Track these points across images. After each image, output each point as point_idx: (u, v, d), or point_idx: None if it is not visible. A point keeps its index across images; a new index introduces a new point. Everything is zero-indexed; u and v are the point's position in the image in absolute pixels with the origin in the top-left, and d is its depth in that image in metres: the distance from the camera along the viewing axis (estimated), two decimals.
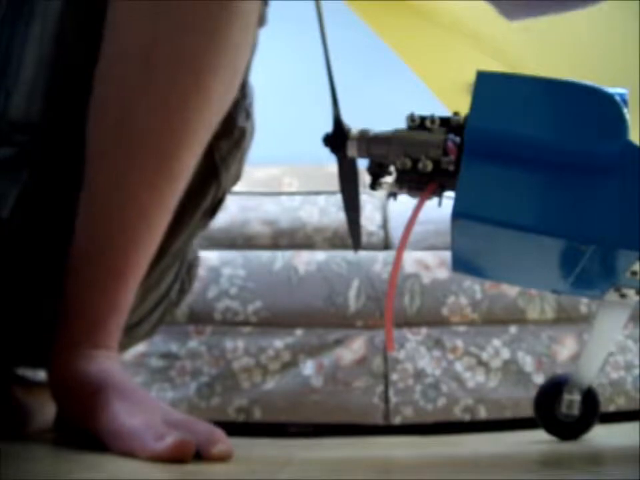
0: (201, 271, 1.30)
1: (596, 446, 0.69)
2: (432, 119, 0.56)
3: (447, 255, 1.12)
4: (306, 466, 0.53)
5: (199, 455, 0.50)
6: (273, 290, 1.31)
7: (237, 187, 0.80)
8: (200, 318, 1.30)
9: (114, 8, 0.58)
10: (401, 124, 0.57)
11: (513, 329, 1.31)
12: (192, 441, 0.50)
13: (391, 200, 1.07)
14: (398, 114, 0.59)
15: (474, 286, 1.31)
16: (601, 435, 0.76)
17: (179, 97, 0.58)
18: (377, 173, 0.58)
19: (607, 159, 0.50)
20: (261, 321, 1.30)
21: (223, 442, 0.52)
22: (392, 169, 0.57)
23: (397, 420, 1.27)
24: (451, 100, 1.07)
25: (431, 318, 1.31)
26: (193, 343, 1.29)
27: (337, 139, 0.59)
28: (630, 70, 1.02)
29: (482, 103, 0.52)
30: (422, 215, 0.55)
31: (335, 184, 0.66)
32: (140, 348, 1.22)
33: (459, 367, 1.29)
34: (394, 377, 1.28)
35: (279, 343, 1.29)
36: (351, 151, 0.58)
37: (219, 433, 0.54)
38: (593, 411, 0.73)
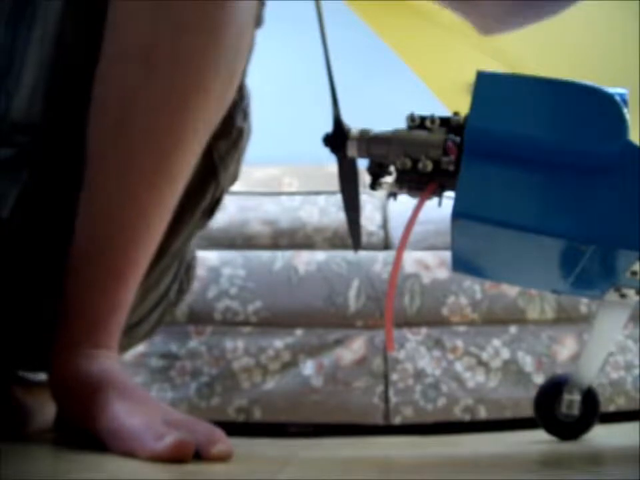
0: (201, 271, 1.30)
1: (596, 446, 0.69)
2: (432, 118, 0.56)
3: (447, 255, 1.12)
4: (306, 466, 0.53)
5: (199, 455, 0.50)
6: (273, 290, 1.31)
7: (237, 187, 0.80)
8: (200, 318, 1.30)
9: (114, 8, 0.59)
10: (401, 124, 0.57)
11: (513, 329, 1.31)
12: (192, 441, 0.50)
13: (391, 200, 1.07)
14: (398, 114, 0.59)
15: (474, 286, 1.31)
16: (601, 435, 0.76)
17: (179, 97, 0.58)
18: (377, 172, 0.58)
19: (607, 159, 0.50)
20: (261, 320, 1.30)
21: (223, 442, 0.52)
22: (392, 168, 0.57)
23: (397, 420, 1.27)
24: (451, 100, 1.07)
25: (431, 318, 1.31)
26: (193, 343, 1.29)
27: (337, 138, 0.59)
28: (630, 70, 1.02)
29: (482, 103, 0.52)
30: (422, 215, 0.55)
31: (335, 184, 0.66)
32: (140, 348, 1.22)
33: (458, 366, 1.29)
34: (394, 376, 1.28)
35: (279, 343, 1.29)
36: (351, 151, 0.58)
37: (219, 432, 0.54)
38: (592, 410, 0.73)
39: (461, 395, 1.28)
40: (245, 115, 0.73)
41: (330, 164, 0.65)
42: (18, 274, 0.65)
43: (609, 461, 0.56)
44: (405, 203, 0.62)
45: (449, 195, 0.55)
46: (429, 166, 0.54)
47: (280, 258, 1.33)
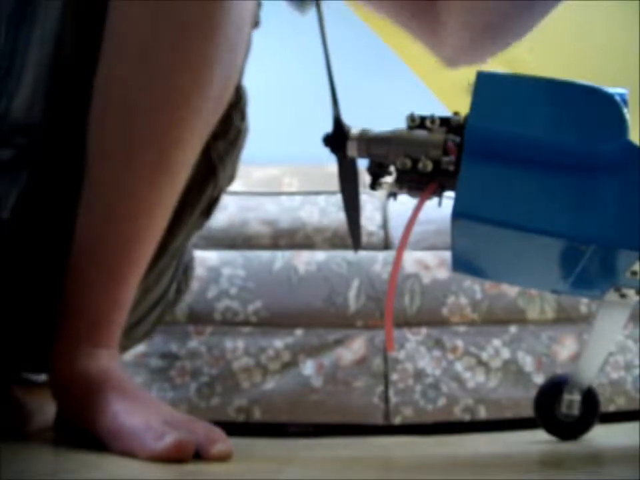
0: (201, 271, 1.30)
1: (596, 446, 0.69)
2: (432, 118, 0.56)
3: (447, 255, 1.12)
4: (306, 466, 0.53)
5: (199, 455, 0.50)
6: (272, 290, 1.31)
7: (237, 187, 0.80)
8: (200, 318, 1.30)
9: (114, 8, 0.59)
10: (401, 124, 0.57)
11: (513, 329, 1.31)
12: (191, 441, 0.50)
13: (391, 200, 1.06)
14: (398, 114, 0.59)
15: (474, 286, 1.31)
16: (601, 435, 0.76)
17: (178, 96, 0.59)
18: (377, 172, 0.58)
19: (607, 159, 0.50)
20: (261, 320, 1.30)
21: (223, 442, 0.52)
22: (392, 168, 0.57)
23: (397, 420, 1.27)
24: (451, 100, 1.07)
25: (431, 318, 1.31)
26: (192, 343, 1.29)
27: (337, 138, 0.59)
28: (630, 70, 1.02)
29: (482, 103, 0.52)
30: (422, 215, 0.55)
31: (335, 184, 0.66)
32: (140, 348, 1.22)
33: (459, 366, 1.29)
34: (394, 376, 1.28)
35: (279, 343, 1.29)
36: (351, 150, 0.58)
37: (219, 432, 0.54)
38: (593, 410, 0.73)
39: (461, 395, 1.28)
40: (243, 115, 0.74)
41: (330, 164, 0.65)
42: (18, 274, 0.65)
43: (609, 461, 0.56)
44: (405, 203, 0.62)
45: (449, 195, 0.55)
46: (429, 166, 0.54)
47: (280, 258, 1.34)
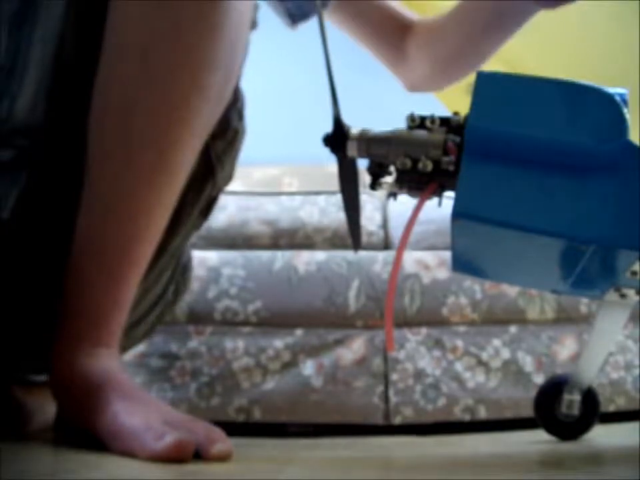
0: (201, 271, 1.30)
1: (596, 446, 0.69)
2: (432, 119, 0.56)
3: (447, 255, 1.12)
4: (306, 466, 0.53)
5: (199, 455, 0.50)
6: (272, 290, 1.31)
7: (237, 187, 0.81)
8: (200, 318, 1.30)
9: (113, 8, 0.59)
10: (401, 124, 0.57)
11: (513, 329, 1.31)
12: (191, 441, 0.50)
13: (391, 200, 1.06)
14: (398, 114, 0.59)
15: (474, 286, 1.31)
16: (601, 435, 0.76)
17: (178, 95, 0.59)
18: (377, 172, 0.58)
19: (607, 159, 0.50)
20: (261, 320, 1.30)
21: (223, 442, 0.52)
22: (392, 168, 0.57)
23: (397, 420, 1.27)
24: (451, 100, 1.07)
25: (431, 318, 1.31)
26: (192, 343, 1.29)
27: (337, 138, 0.59)
28: (630, 70, 1.02)
29: (482, 102, 0.52)
30: (422, 215, 0.55)
31: (335, 184, 0.66)
32: (140, 348, 1.22)
33: (459, 366, 1.29)
34: (394, 376, 1.28)
35: (279, 343, 1.29)
36: (351, 150, 0.58)
37: (219, 432, 0.54)
38: (592, 410, 0.73)
39: (461, 395, 1.28)
40: (240, 116, 0.74)
41: (330, 164, 0.65)
42: (18, 274, 0.65)
43: (609, 461, 0.56)
44: (405, 203, 0.62)
45: (449, 195, 0.55)
46: (429, 166, 0.54)
47: (280, 258, 1.34)
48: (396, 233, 1.40)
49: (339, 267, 1.32)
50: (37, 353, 0.66)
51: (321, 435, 1.17)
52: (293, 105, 2.15)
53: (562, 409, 0.72)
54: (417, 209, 0.55)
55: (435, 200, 0.57)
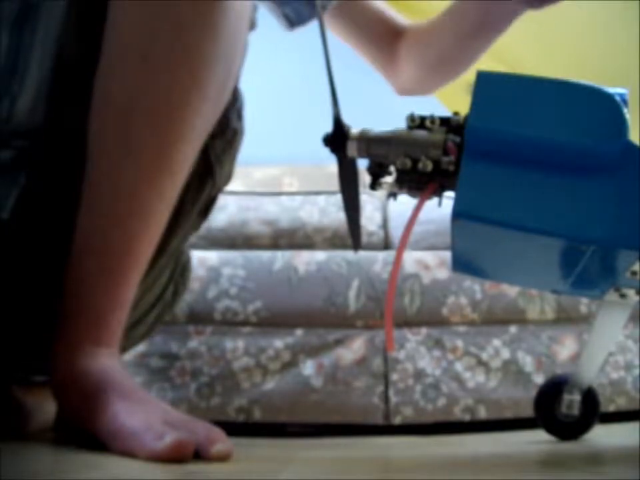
0: (201, 271, 1.30)
1: (596, 446, 0.69)
2: (432, 119, 0.56)
3: (447, 255, 1.12)
4: (306, 466, 0.53)
5: (199, 455, 0.50)
6: (272, 290, 1.31)
7: (237, 187, 0.81)
8: (200, 318, 1.30)
9: (113, 8, 0.59)
10: (401, 124, 0.57)
11: (513, 329, 1.31)
12: (191, 441, 0.50)
13: (391, 200, 1.06)
14: (398, 114, 0.59)
15: (474, 286, 1.31)
16: (601, 435, 0.76)
17: (178, 94, 0.59)
18: (377, 172, 0.58)
19: (607, 159, 0.50)
20: (261, 320, 1.30)
21: (223, 442, 0.52)
22: (392, 168, 0.57)
23: (397, 420, 1.27)
24: (451, 100, 1.07)
25: (430, 318, 1.31)
26: (192, 343, 1.29)
27: (337, 138, 0.59)
28: (630, 70, 1.02)
29: (482, 102, 0.52)
30: (422, 215, 0.55)
31: (335, 184, 0.66)
32: (140, 348, 1.22)
33: (459, 366, 1.29)
34: (394, 376, 1.28)
35: (279, 343, 1.29)
36: (351, 150, 0.58)
37: (219, 432, 0.54)
38: (593, 410, 0.73)
39: (461, 395, 1.28)
40: (239, 116, 0.75)
41: (330, 164, 0.65)
42: (18, 275, 0.65)
43: (609, 461, 0.56)
44: (405, 203, 0.62)
45: (449, 195, 0.55)
46: (429, 166, 0.54)
47: (280, 258, 1.34)
48: (396, 232, 1.40)
49: (338, 267, 1.32)
50: (37, 353, 0.66)
51: (321, 434, 1.17)
52: (293, 105, 2.15)
53: (562, 409, 0.72)
54: (417, 209, 0.55)
55: (435, 200, 0.57)
